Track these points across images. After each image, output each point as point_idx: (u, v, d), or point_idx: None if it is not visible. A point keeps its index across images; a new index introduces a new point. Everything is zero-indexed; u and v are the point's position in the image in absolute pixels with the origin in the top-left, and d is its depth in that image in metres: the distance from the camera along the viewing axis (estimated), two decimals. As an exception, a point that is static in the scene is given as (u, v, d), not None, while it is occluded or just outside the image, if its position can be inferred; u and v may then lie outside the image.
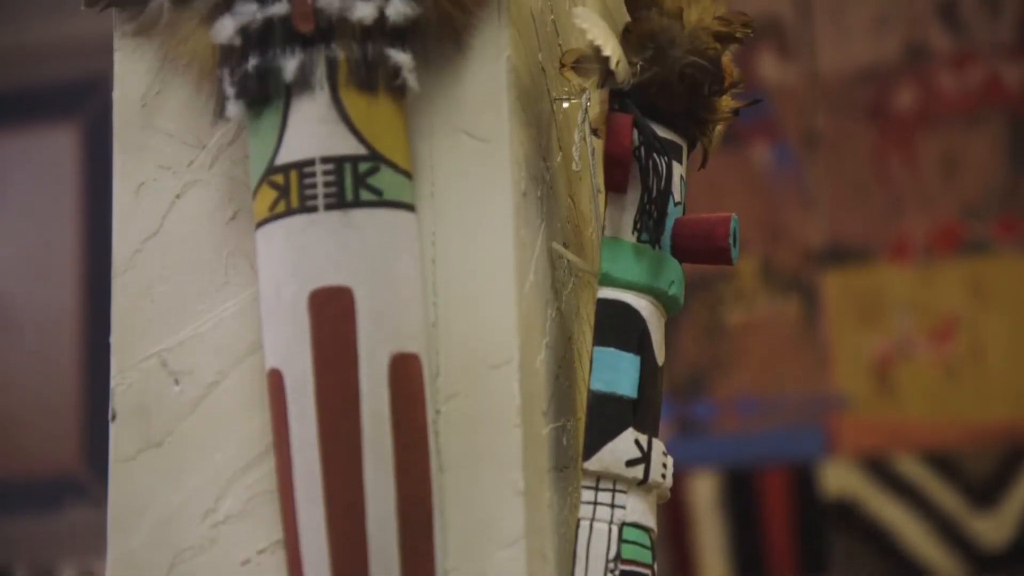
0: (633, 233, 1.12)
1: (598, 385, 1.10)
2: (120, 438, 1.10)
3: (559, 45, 1.23)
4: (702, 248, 1.13)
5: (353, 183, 1.02)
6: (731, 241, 1.13)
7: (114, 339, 1.12)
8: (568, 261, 1.18)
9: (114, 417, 1.11)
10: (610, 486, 1.09)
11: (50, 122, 4.12)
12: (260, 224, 1.04)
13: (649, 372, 1.11)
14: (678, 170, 1.14)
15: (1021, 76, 3.58)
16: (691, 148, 1.18)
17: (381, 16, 1.04)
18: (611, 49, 1.09)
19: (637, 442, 1.09)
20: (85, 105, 4.07)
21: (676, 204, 1.14)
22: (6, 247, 4.11)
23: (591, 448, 1.09)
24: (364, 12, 1.03)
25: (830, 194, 3.65)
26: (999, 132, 3.58)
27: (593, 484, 1.09)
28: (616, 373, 1.10)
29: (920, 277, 3.57)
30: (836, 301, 3.62)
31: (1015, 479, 3.49)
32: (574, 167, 1.15)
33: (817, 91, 3.71)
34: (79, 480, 4.04)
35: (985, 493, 3.51)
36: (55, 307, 4.05)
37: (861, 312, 3.60)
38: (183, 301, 1.11)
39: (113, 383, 1.11)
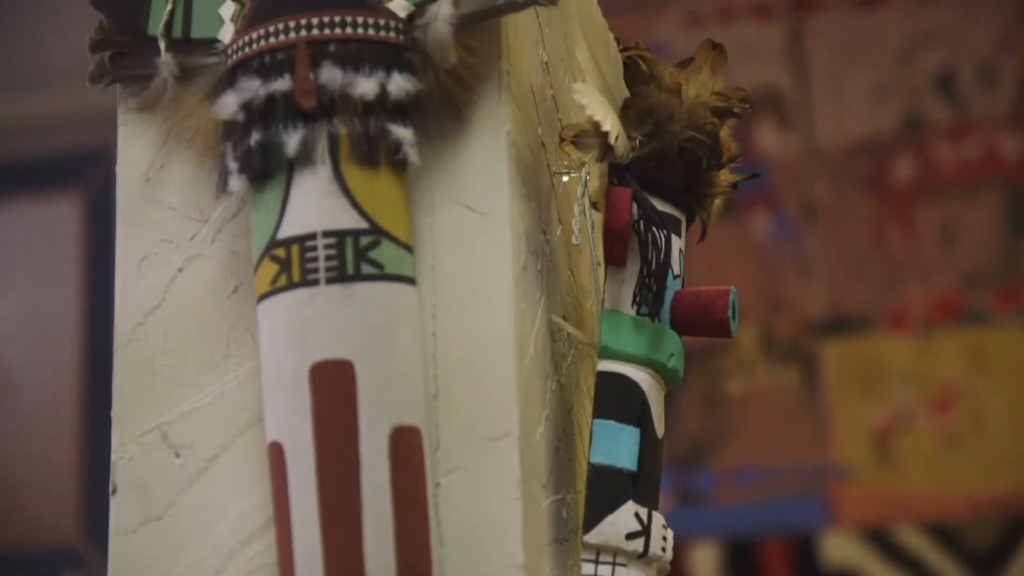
0: (632, 306, 1.13)
1: (598, 458, 1.10)
2: (120, 511, 1.11)
3: (559, 120, 1.25)
4: (701, 321, 1.14)
5: (354, 257, 1.03)
6: (730, 314, 1.13)
7: (115, 412, 1.12)
8: (568, 334, 1.19)
9: (115, 491, 1.11)
10: (610, 559, 1.09)
11: (52, 192, 4.13)
12: (262, 298, 1.05)
13: (649, 445, 1.11)
14: (677, 243, 1.15)
15: (1019, 147, 3.60)
16: (690, 221, 1.19)
17: (383, 92, 1.05)
18: (610, 124, 1.10)
19: (637, 515, 1.10)
20: (87, 175, 4.08)
21: (675, 277, 1.14)
22: (7, 317, 4.12)
23: (591, 521, 1.09)
24: (366, 88, 1.04)
25: (829, 264, 3.66)
26: (997, 203, 3.59)
27: (593, 557, 1.09)
28: (616, 446, 1.10)
29: (920, 347, 3.57)
30: (836, 371, 3.62)
31: (1016, 550, 3.47)
32: (574, 240, 1.15)
33: (816, 162, 3.73)
34: (78, 550, 4.03)
35: (986, 564, 3.49)
36: (55, 377, 4.05)
37: (861, 382, 3.60)
38: (184, 374, 1.11)
39: (114, 456, 1.11)
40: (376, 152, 1.04)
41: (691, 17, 3.81)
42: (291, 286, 1.03)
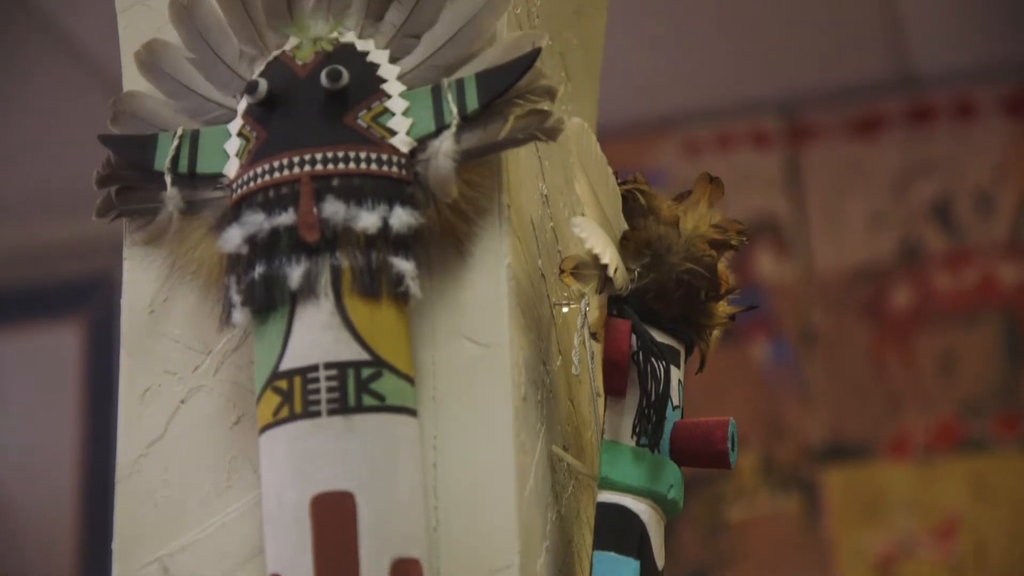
0: (632, 437, 1.13)
1: (598, 590, 1.10)
2: (121, 643, 1.10)
3: (559, 251, 1.26)
4: (701, 452, 1.14)
5: (356, 389, 1.03)
6: (729, 445, 1.14)
7: (116, 545, 1.12)
8: (568, 464, 1.19)
9: (115, 623, 1.10)
10: None
11: (53, 320, 4.14)
12: (263, 429, 1.05)
13: (649, 576, 1.11)
14: (676, 374, 1.16)
15: (1016, 275, 3.62)
16: (689, 352, 1.20)
17: (385, 226, 1.06)
18: (609, 256, 1.11)
19: (638, 647, 1.09)
20: (88, 303, 4.10)
21: (675, 408, 1.15)
22: (5, 444, 4.11)
23: (592, 653, 1.09)
24: (368, 222, 1.06)
25: (829, 391, 3.66)
26: (996, 330, 3.60)
27: None
28: (616, 577, 1.10)
29: (921, 475, 3.56)
30: (837, 498, 3.61)
31: None
32: (574, 371, 1.16)
33: (814, 289, 3.75)
34: None
35: None
36: (54, 507, 4.03)
37: (862, 510, 3.59)
38: (186, 506, 1.11)
39: (114, 589, 1.11)
40: (378, 285, 1.06)
41: (689, 145, 3.84)
42: (293, 418, 1.03)
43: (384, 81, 1.10)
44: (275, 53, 1.13)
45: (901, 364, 3.63)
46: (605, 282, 1.13)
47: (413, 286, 1.07)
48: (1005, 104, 3.70)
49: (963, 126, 3.71)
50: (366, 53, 1.12)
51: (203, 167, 1.11)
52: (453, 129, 1.08)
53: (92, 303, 4.08)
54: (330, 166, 1.07)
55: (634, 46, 3.51)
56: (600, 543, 1.11)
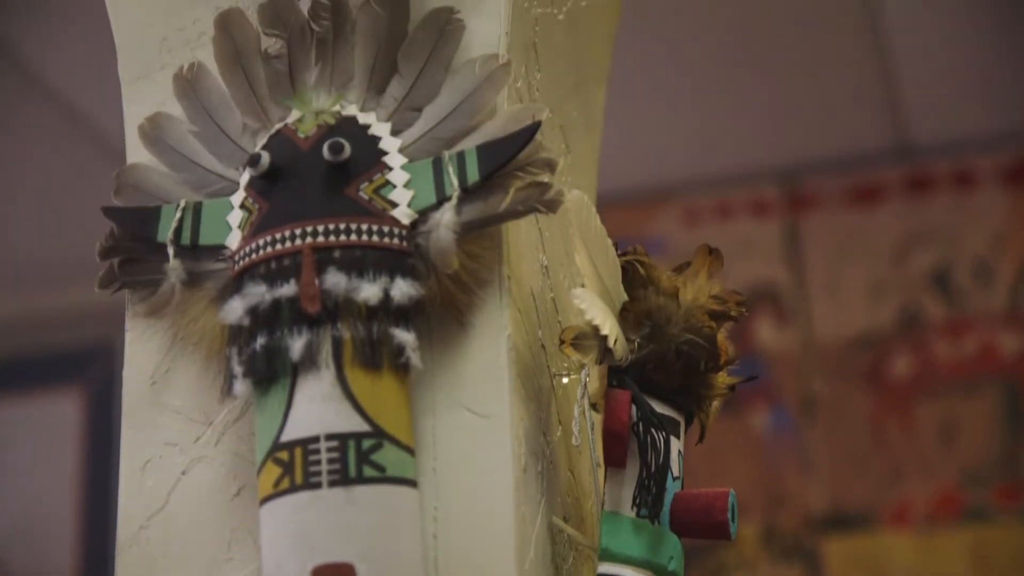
0: (632, 508, 1.13)
1: (599, 661, 1.10)
2: None
3: (559, 322, 1.26)
4: (701, 523, 1.14)
5: (356, 460, 1.04)
6: (730, 516, 1.14)
7: (116, 616, 1.12)
8: (568, 535, 1.19)
9: None
10: None
11: (53, 389, 4.14)
12: (264, 500, 1.05)
13: (649, 648, 1.11)
14: (676, 445, 1.16)
15: (1016, 344, 3.62)
16: (688, 423, 1.20)
17: (386, 297, 1.07)
18: (609, 327, 1.12)
19: None
20: (88, 372, 4.10)
21: (675, 479, 1.15)
22: (4, 513, 4.10)
23: None
24: (369, 293, 1.06)
25: (830, 459, 3.66)
26: (996, 399, 3.60)
27: None
28: (616, 649, 1.10)
29: (922, 544, 3.55)
30: (839, 568, 3.59)
31: None
32: (574, 442, 1.16)
33: (814, 357, 3.75)
34: None
35: None
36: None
37: (864, 579, 3.57)
38: (186, 577, 1.11)
39: (114, 661, 1.11)
40: (379, 356, 1.06)
41: (689, 213, 3.86)
42: (294, 489, 1.04)
43: (386, 153, 1.11)
44: (278, 126, 1.14)
45: (902, 433, 3.63)
46: (605, 353, 1.13)
47: (414, 357, 1.08)
48: (1003, 174, 3.72)
49: (962, 195, 3.73)
50: (368, 126, 1.13)
51: (206, 239, 1.12)
52: (454, 201, 1.09)
53: (92, 372, 4.08)
54: (332, 238, 1.07)
55: (634, 114, 3.53)
56: (601, 614, 1.11)
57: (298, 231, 1.08)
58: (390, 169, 1.11)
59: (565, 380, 1.24)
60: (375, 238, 1.08)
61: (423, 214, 1.10)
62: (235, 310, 1.08)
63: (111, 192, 1.18)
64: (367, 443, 1.04)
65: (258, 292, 1.07)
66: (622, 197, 3.75)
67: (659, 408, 1.15)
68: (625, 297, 1.18)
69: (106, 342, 3.96)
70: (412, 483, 1.06)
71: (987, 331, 3.65)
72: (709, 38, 3.43)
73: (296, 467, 1.04)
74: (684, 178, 3.88)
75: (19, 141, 3.61)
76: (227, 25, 1.18)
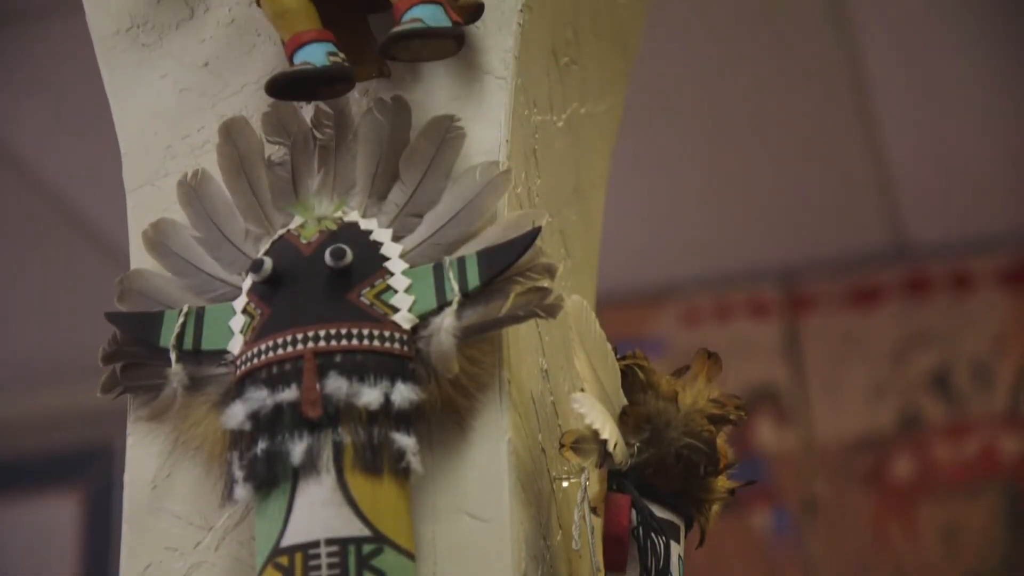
0: (633, 612, 1.13)
1: None
2: None
3: (559, 425, 1.27)
4: (701, 629, 1.14)
5: (357, 565, 1.03)
6: (730, 621, 1.14)
7: None
8: (568, 640, 1.19)
9: None
10: None
11: (51, 490, 4.13)
12: (264, 606, 1.05)
13: None
14: (676, 549, 1.16)
15: (1017, 446, 3.62)
16: (689, 527, 1.20)
17: (387, 402, 1.07)
18: (609, 431, 1.12)
19: None
20: (86, 473, 4.08)
21: (675, 584, 1.15)
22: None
23: None
24: (370, 398, 1.07)
25: (831, 562, 3.64)
26: (998, 502, 3.59)
27: None
28: None
29: (925, 647, 3.53)
30: (841, 671, 3.57)
31: None
32: (574, 546, 1.16)
33: (815, 458, 3.74)
34: None
35: None
36: None
37: None
38: None
39: None
40: (380, 461, 1.06)
41: (689, 314, 3.86)
42: (294, 594, 1.03)
43: (387, 259, 1.13)
44: (280, 232, 1.15)
45: (903, 535, 3.61)
46: (605, 457, 1.14)
47: (414, 462, 1.08)
48: (1002, 276, 3.74)
49: (960, 297, 3.74)
50: (369, 231, 1.14)
51: (208, 344, 1.13)
52: (454, 306, 1.10)
53: (91, 473, 4.07)
54: (333, 342, 1.08)
55: (634, 215, 3.55)
56: None
57: (300, 336, 1.08)
58: (391, 274, 1.12)
59: (565, 484, 1.24)
60: (376, 343, 1.09)
61: (424, 319, 1.11)
62: (236, 415, 1.08)
63: (114, 296, 1.19)
64: (367, 548, 1.04)
65: (260, 397, 1.08)
66: (621, 297, 3.76)
67: (659, 512, 1.15)
68: (625, 401, 1.18)
69: (105, 443, 3.95)
70: (412, 588, 1.06)
71: (988, 433, 3.65)
72: (707, 140, 3.46)
73: (296, 572, 1.04)
74: (683, 278, 3.89)
75: (24, 244, 3.63)
76: (231, 133, 1.20)
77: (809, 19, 3.16)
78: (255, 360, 1.09)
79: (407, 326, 1.10)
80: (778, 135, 3.45)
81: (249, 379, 1.09)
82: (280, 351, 1.08)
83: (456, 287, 1.10)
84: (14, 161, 3.40)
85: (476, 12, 1.19)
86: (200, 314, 1.14)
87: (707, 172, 3.55)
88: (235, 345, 1.12)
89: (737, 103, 3.37)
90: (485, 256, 1.11)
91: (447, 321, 1.09)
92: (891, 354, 3.76)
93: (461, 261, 1.11)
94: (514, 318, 1.10)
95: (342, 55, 1.15)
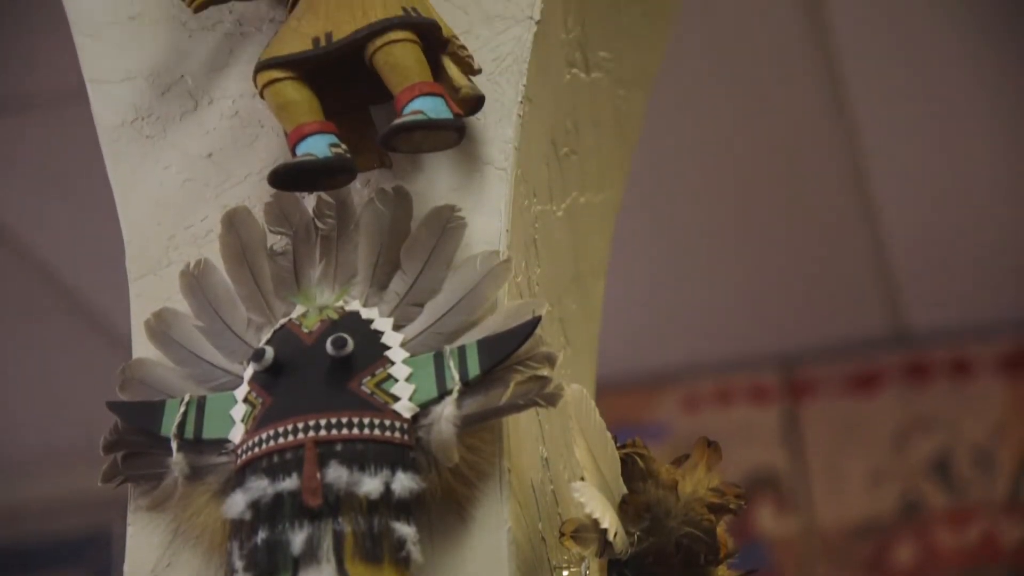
0: None
1: None
2: None
3: (559, 514, 1.27)
4: None
5: (356, 654, 1.03)
6: None
7: None
8: None
9: None
10: None
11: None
12: None
13: None
14: (677, 638, 1.16)
15: (1018, 533, 3.61)
16: (690, 617, 1.20)
17: (387, 491, 1.08)
18: (609, 520, 1.12)
19: None
20: (85, 558, 4.07)
21: (676, 672, 1.15)
22: None
23: None
24: (371, 487, 1.07)
25: (834, 648, 3.62)
26: (999, 588, 3.58)
27: None
28: None
29: None
30: None
31: None
32: (575, 635, 1.16)
33: (816, 544, 3.73)
34: None
35: None
36: None
37: None
38: None
39: None
40: (380, 550, 1.06)
41: (689, 399, 3.87)
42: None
43: (388, 348, 1.13)
44: (282, 321, 1.16)
45: (906, 621, 3.60)
46: (605, 546, 1.14)
47: (414, 551, 1.08)
48: (1001, 362, 3.74)
49: (961, 383, 3.74)
50: (371, 321, 1.15)
51: (209, 433, 1.13)
52: (455, 395, 1.10)
53: (90, 558, 4.05)
54: (334, 432, 1.09)
55: (634, 301, 3.57)
56: None
57: (300, 425, 1.09)
58: (392, 363, 1.12)
59: (565, 574, 1.24)
60: (377, 432, 1.09)
61: (424, 408, 1.11)
62: (237, 504, 1.08)
63: (116, 385, 1.19)
64: (367, 637, 1.04)
65: (260, 486, 1.08)
66: (622, 383, 3.77)
67: (660, 603, 1.15)
68: (625, 490, 1.18)
69: (105, 528, 3.94)
70: (412, 676, 1.06)
71: (989, 520, 3.64)
72: (706, 226, 3.48)
73: (295, 652, 1.04)
74: (683, 364, 3.90)
75: (27, 329, 3.64)
76: (234, 222, 1.21)
77: (806, 103, 3.19)
78: (256, 449, 1.10)
79: (408, 415, 1.10)
80: (777, 221, 3.47)
81: (250, 468, 1.09)
82: (281, 440, 1.09)
83: (457, 376, 1.11)
84: (18, 247, 3.42)
85: (477, 104, 1.20)
86: (201, 403, 1.15)
87: (706, 258, 3.57)
88: (236, 434, 1.12)
89: (735, 190, 3.39)
90: (486, 345, 1.12)
91: (447, 410, 1.10)
92: (892, 440, 3.76)
93: (462, 350, 1.12)
94: (514, 407, 1.10)
95: (344, 146, 1.16)
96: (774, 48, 3.08)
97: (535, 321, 1.12)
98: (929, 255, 3.52)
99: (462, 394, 1.10)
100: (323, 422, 1.09)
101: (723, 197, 3.41)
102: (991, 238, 3.48)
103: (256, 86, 1.19)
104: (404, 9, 1.17)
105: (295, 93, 1.17)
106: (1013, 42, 3.05)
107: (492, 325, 1.13)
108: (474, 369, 1.11)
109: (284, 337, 1.14)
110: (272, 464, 1.08)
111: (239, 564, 1.07)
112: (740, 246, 3.53)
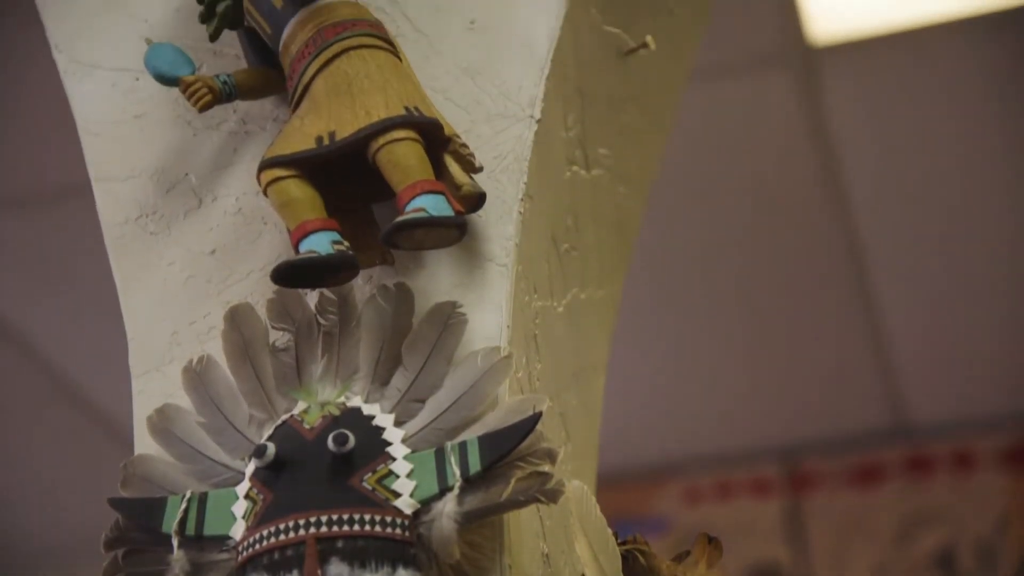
0: None
1: None
2: None
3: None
4: None
5: None
6: None
7: None
8: None
9: None
10: None
11: None
12: None
13: None
14: None
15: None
16: None
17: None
18: (610, 617, 1.12)
19: None
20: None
21: None
22: None
23: None
24: None
25: None
26: None
27: None
28: None
29: None
30: None
31: None
32: None
33: (821, 641, 3.71)
34: None
35: None
36: None
37: None
38: None
39: None
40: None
41: (690, 492, 3.86)
42: None
43: (389, 444, 1.13)
44: (284, 417, 1.16)
45: None
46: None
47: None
48: (1004, 456, 3.74)
49: (963, 476, 3.74)
50: (372, 417, 1.15)
51: (210, 530, 1.13)
52: (456, 491, 1.10)
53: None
54: (335, 528, 1.09)
55: (635, 395, 3.57)
56: None
57: (302, 521, 1.09)
58: (393, 460, 1.12)
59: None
60: (377, 528, 1.09)
61: (425, 504, 1.11)
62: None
63: (118, 482, 1.19)
64: None
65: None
66: (623, 476, 3.76)
67: None
68: (626, 585, 1.19)
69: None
70: None
71: (993, 616, 3.62)
72: (707, 319, 3.49)
73: None
74: (684, 457, 3.90)
75: (29, 425, 3.64)
76: (236, 319, 1.22)
77: (807, 202, 3.21)
78: (257, 546, 1.10)
79: (408, 511, 1.11)
80: (778, 315, 3.48)
81: (251, 565, 1.09)
82: (282, 537, 1.09)
83: (458, 472, 1.11)
84: (20, 341, 3.43)
85: (478, 201, 1.22)
86: (203, 500, 1.15)
87: (708, 352, 3.58)
88: (237, 531, 1.12)
89: (736, 284, 3.41)
90: (487, 441, 1.12)
91: (448, 506, 1.10)
92: (895, 533, 3.74)
93: (463, 446, 1.12)
94: (515, 503, 1.10)
95: (347, 243, 1.17)
96: (776, 147, 3.11)
97: (536, 417, 1.12)
98: (930, 349, 3.53)
99: (463, 490, 1.11)
100: (324, 519, 1.09)
101: (724, 291, 3.42)
102: (991, 332, 3.49)
103: (260, 184, 1.20)
104: (406, 108, 1.18)
105: (298, 191, 1.18)
106: (1014, 142, 3.08)
107: (493, 421, 1.14)
108: (475, 465, 1.11)
109: (286, 433, 1.14)
110: (273, 561, 1.08)
111: None
112: (741, 339, 3.54)
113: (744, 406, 3.72)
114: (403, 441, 1.14)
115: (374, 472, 1.12)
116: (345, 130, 1.18)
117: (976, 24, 2.89)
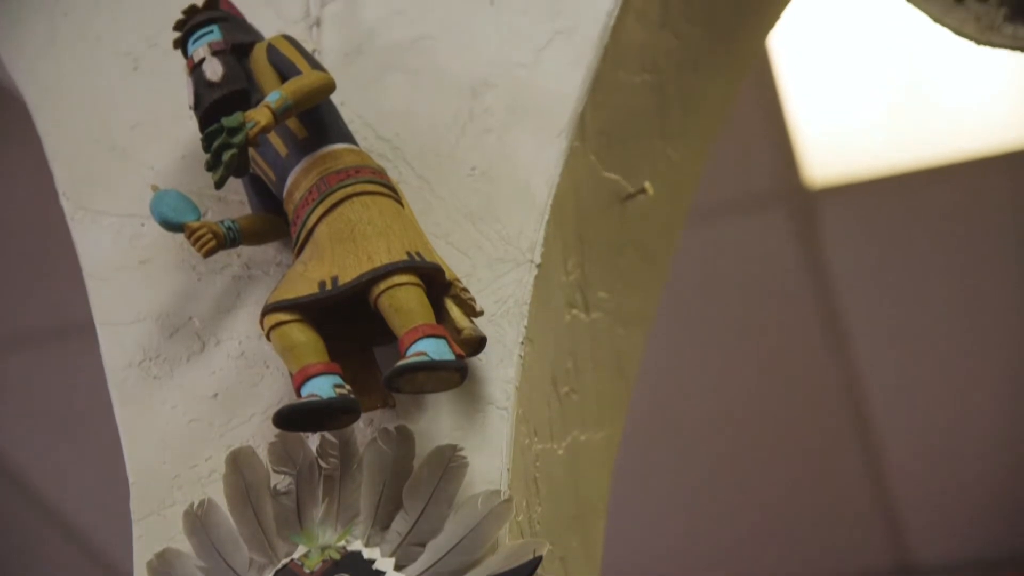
0: None
1: None
2: None
3: None
4: None
5: None
6: None
7: None
8: None
9: None
10: None
11: None
12: None
13: None
14: None
15: None
16: None
17: None
18: None
19: None
20: None
21: None
22: None
23: None
24: None
25: None
26: None
27: None
28: None
29: None
30: None
31: None
32: None
33: None
34: None
35: None
36: None
37: None
38: None
39: None
40: None
41: None
42: None
43: (389, 588, 1.14)
44: (284, 561, 1.16)
45: None
46: None
47: None
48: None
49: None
50: (372, 561, 1.15)
51: None
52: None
53: None
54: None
55: (634, 535, 3.55)
56: None
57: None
58: (393, 603, 1.12)
59: None
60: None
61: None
62: None
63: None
64: None
65: None
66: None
67: None
68: None
69: None
70: None
71: None
72: (706, 461, 3.49)
73: None
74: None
75: (28, 567, 3.62)
76: (238, 463, 1.22)
77: (805, 341, 3.22)
78: None
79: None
80: (777, 454, 3.48)
81: None
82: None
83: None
84: (20, 482, 3.42)
85: (479, 345, 1.23)
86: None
87: (706, 493, 3.57)
88: None
89: (734, 424, 3.41)
90: (487, 585, 1.12)
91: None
92: None
93: (463, 593, 1.12)
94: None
95: (348, 387, 1.18)
96: (771, 288, 3.13)
97: (536, 561, 1.12)
98: (932, 490, 3.52)
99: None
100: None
101: (722, 432, 3.42)
102: (994, 472, 3.48)
103: (262, 328, 1.21)
104: (408, 253, 1.20)
105: (301, 335, 1.20)
106: (1012, 283, 3.10)
107: (494, 565, 1.14)
108: (474, 599, 1.11)
109: (286, 580, 1.15)
110: None
111: None
112: (740, 480, 3.53)
113: (744, 547, 3.69)
114: (404, 584, 1.14)
115: (375, 587, 1.12)
116: (348, 275, 1.20)
117: (973, 167, 2.92)
